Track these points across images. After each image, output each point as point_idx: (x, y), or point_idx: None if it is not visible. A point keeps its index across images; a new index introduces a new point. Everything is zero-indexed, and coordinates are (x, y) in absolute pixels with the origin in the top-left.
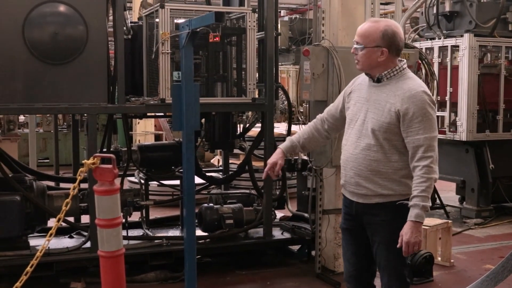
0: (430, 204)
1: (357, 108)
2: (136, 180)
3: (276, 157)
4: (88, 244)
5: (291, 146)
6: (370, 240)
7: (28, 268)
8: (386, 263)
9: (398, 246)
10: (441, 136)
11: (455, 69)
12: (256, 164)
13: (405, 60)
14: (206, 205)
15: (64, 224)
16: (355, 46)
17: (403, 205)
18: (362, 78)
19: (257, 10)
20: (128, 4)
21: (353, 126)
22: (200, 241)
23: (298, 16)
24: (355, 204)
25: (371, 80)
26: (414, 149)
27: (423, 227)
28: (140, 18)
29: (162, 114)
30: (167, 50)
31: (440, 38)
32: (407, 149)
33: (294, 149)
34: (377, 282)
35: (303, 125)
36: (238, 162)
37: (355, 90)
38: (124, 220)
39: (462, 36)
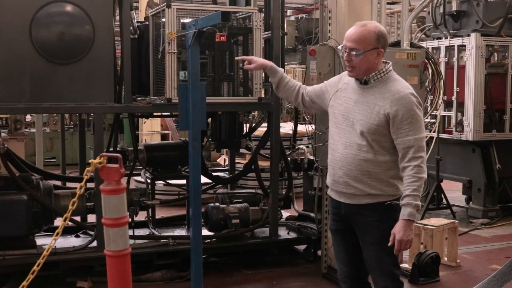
0: (421, 204)
1: (344, 108)
2: (143, 180)
3: (259, 60)
4: (94, 243)
5: (276, 71)
6: (360, 240)
7: (35, 267)
8: (378, 264)
9: (389, 244)
10: (447, 136)
11: (461, 68)
12: (262, 163)
13: (390, 63)
14: (212, 204)
15: (70, 224)
16: (352, 53)
17: (392, 205)
18: (348, 78)
19: (263, 9)
20: (134, 4)
21: (340, 126)
22: (206, 241)
23: (304, 16)
24: (344, 205)
25: (357, 82)
26: (405, 150)
27: (429, 227)
28: (146, 18)
29: (168, 113)
30: (174, 50)
31: (447, 38)
32: (396, 150)
33: (275, 73)
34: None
35: (309, 125)
36: (244, 162)
37: (342, 89)
38: (130, 220)
39: (469, 35)
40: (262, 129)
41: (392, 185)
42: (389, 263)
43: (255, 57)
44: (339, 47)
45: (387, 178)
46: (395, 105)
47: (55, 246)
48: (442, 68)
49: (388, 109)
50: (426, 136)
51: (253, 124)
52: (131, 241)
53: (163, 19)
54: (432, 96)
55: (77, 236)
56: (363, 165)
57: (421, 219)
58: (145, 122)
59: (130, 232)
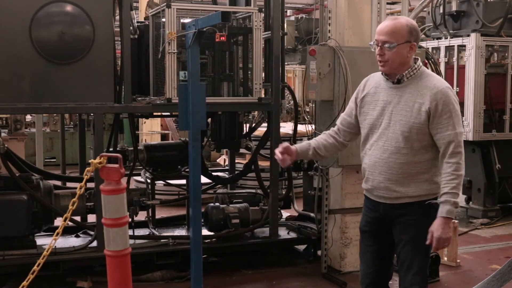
0: (459, 201)
1: (378, 112)
2: (143, 180)
3: (287, 148)
4: (94, 243)
5: (305, 147)
6: (396, 238)
7: (35, 267)
8: (412, 261)
9: (428, 242)
10: None
11: (461, 68)
12: (262, 163)
13: (420, 58)
14: (212, 204)
15: (70, 224)
16: (385, 46)
17: (432, 204)
18: (376, 81)
19: (263, 9)
20: (134, 4)
21: (376, 130)
22: (206, 241)
23: (304, 16)
24: (383, 205)
25: (389, 82)
26: (446, 145)
27: None
28: (146, 18)
29: (168, 113)
30: (174, 50)
31: (447, 38)
32: (436, 147)
33: (307, 150)
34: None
35: (309, 125)
36: (244, 162)
37: (370, 94)
38: (130, 220)
39: (468, 35)
40: (262, 129)
41: (435, 183)
42: (423, 262)
43: (287, 147)
44: (370, 43)
45: (430, 176)
46: (434, 100)
47: (55, 246)
48: (442, 68)
49: (428, 105)
50: None
51: (253, 124)
52: (131, 241)
53: (163, 19)
54: None
55: (77, 236)
56: (405, 167)
57: None
58: (145, 122)
59: (130, 232)
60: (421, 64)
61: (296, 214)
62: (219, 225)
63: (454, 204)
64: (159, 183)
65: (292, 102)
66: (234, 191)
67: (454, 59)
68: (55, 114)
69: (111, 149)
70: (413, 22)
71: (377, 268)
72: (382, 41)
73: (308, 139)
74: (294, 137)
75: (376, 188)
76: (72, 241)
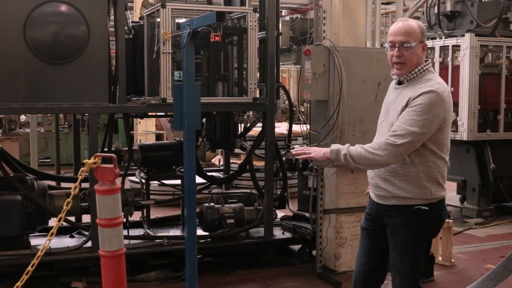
0: (343, 160)
1: (383, 111)
2: (137, 180)
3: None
4: (89, 244)
5: None
6: (388, 241)
7: (29, 268)
8: (399, 266)
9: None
10: None
11: (456, 68)
12: (257, 163)
13: (429, 60)
14: (207, 204)
15: (65, 224)
16: (405, 46)
17: (421, 210)
18: (392, 82)
19: (258, 9)
20: (129, 4)
21: (378, 127)
22: (201, 241)
23: (299, 16)
24: (376, 204)
25: (394, 83)
26: (390, 132)
27: None
28: (141, 18)
29: (163, 113)
30: (168, 50)
31: (441, 38)
32: (427, 151)
33: None
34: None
35: (304, 125)
36: (239, 162)
37: (387, 93)
38: (125, 220)
39: (463, 35)
40: (256, 129)
41: (424, 188)
42: (410, 267)
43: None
44: (385, 45)
45: (419, 180)
46: (410, 100)
47: (50, 247)
48: (437, 68)
49: (404, 105)
50: None
51: (248, 124)
52: (126, 241)
53: (158, 19)
54: None
55: (72, 237)
56: (392, 166)
57: None
58: (139, 122)
59: (125, 232)
60: (426, 67)
61: (291, 214)
62: (214, 225)
63: (343, 155)
64: (154, 183)
65: (287, 102)
66: (229, 191)
67: (449, 59)
68: (49, 114)
69: (105, 149)
70: (421, 23)
71: (370, 268)
72: (400, 42)
73: (303, 139)
74: (289, 137)
75: (370, 184)
76: (66, 242)
